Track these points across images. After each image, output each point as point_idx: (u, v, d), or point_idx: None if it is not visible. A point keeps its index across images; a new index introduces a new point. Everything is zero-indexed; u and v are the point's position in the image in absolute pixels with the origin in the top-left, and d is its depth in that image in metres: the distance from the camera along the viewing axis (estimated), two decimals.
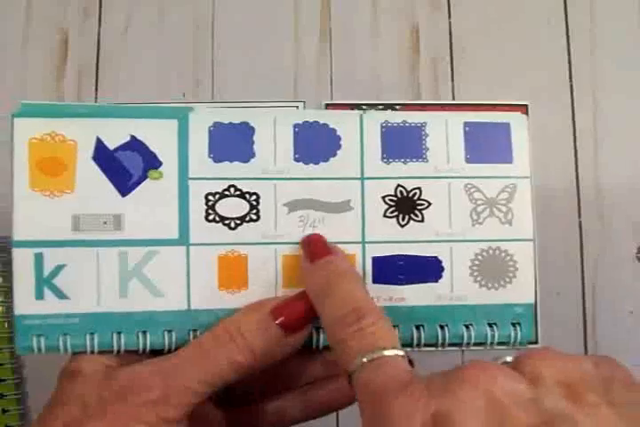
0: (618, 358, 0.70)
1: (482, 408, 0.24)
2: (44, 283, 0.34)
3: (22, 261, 0.34)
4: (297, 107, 0.73)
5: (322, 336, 0.35)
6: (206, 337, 0.34)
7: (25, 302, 0.34)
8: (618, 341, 0.74)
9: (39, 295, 0.34)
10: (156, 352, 0.35)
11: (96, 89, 0.73)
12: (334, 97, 0.74)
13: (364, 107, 0.73)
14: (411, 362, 0.29)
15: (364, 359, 0.28)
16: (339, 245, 0.36)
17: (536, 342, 0.73)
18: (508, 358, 0.28)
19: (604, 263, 0.74)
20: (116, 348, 0.34)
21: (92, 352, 0.34)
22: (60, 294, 0.34)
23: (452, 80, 0.76)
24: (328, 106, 0.73)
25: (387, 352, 0.28)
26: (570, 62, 0.76)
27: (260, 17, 0.75)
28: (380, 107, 0.74)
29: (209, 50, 0.74)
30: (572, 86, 0.76)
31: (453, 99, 0.76)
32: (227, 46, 0.75)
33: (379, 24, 0.76)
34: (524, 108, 0.76)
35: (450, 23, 0.76)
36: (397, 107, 0.74)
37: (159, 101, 0.71)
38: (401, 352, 0.29)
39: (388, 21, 0.76)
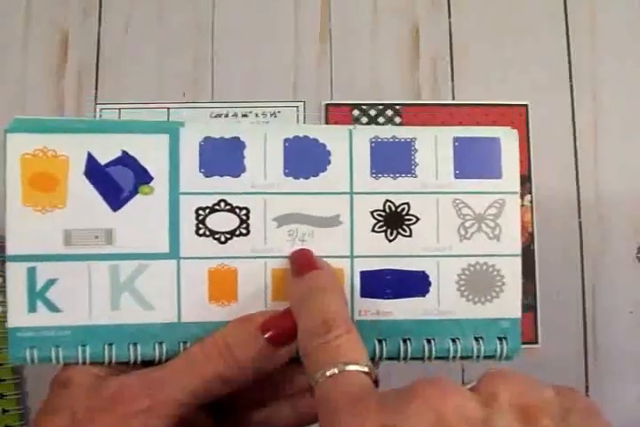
0: (618, 359, 0.70)
1: (430, 425, 0.24)
2: (37, 296, 0.35)
3: (15, 274, 0.35)
4: (297, 107, 0.73)
5: None
6: (194, 350, 0.34)
7: (18, 315, 0.35)
8: (618, 341, 0.74)
9: (32, 308, 0.35)
10: (147, 362, 0.36)
11: (96, 89, 0.73)
12: (334, 97, 0.75)
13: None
14: (376, 380, 0.29)
15: (326, 373, 0.28)
16: (327, 260, 0.36)
17: (536, 343, 0.73)
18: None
19: (603, 263, 0.75)
20: (107, 359, 0.35)
21: (84, 363, 0.35)
22: (53, 308, 0.35)
23: (452, 80, 0.76)
24: (328, 106, 0.74)
25: (348, 367, 0.28)
26: (570, 62, 0.76)
27: (260, 17, 0.75)
28: (380, 107, 0.74)
29: (209, 50, 0.75)
30: (571, 86, 0.76)
31: (453, 99, 0.76)
32: (227, 46, 0.75)
33: (379, 24, 0.76)
34: (523, 108, 0.76)
35: (450, 23, 0.76)
36: (397, 107, 0.74)
37: (159, 101, 0.72)
38: (364, 368, 0.29)
39: (387, 21, 0.76)
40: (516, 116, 0.76)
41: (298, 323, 0.32)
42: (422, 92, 0.75)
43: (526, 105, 0.76)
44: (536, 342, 0.74)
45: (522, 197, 0.76)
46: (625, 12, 0.76)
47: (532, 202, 0.75)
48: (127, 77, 0.74)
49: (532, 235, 0.75)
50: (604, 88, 0.76)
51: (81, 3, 0.74)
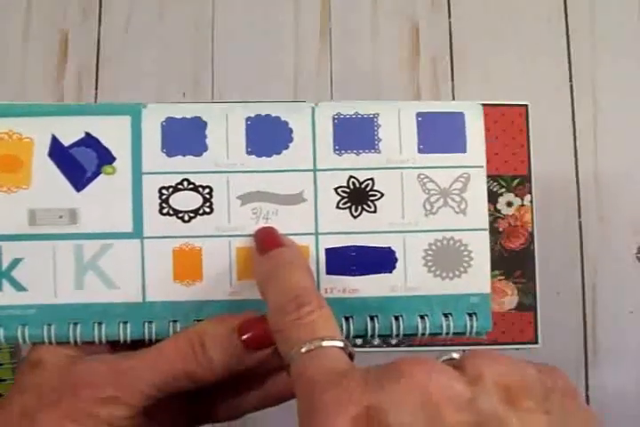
0: (618, 358, 0.69)
1: (416, 405, 0.23)
2: (3, 275, 0.35)
3: None
4: None
5: None
6: (168, 344, 0.34)
7: None
8: (618, 341, 0.73)
9: None
10: (116, 342, 0.36)
11: (96, 89, 0.74)
12: (334, 97, 0.75)
13: None
14: (350, 355, 0.28)
15: (301, 349, 0.28)
16: (292, 237, 0.36)
17: (536, 343, 0.72)
18: (455, 355, 0.28)
19: (603, 263, 0.74)
20: (72, 339, 0.35)
21: (50, 343, 0.35)
22: (18, 286, 0.35)
23: (452, 80, 0.76)
24: None
25: (324, 343, 0.28)
26: (570, 62, 0.76)
27: (260, 17, 0.76)
28: None
29: (209, 50, 0.76)
30: (571, 86, 0.75)
31: (453, 99, 0.76)
32: (227, 46, 0.76)
33: (379, 24, 0.76)
34: (523, 108, 0.76)
35: (450, 23, 0.76)
36: None
37: (159, 101, 0.73)
38: (340, 343, 0.28)
39: (388, 21, 0.76)
40: (515, 116, 0.76)
41: (267, 300, 0.32)
42: (422, 92, 0.76)
43: (526, 105, 0.75)
44: (536, 342, 0.72)
45: (522, 197, 0.76)
46: (625, 12, 0.76)
47: (531, 202, 0.75)
48: (127, 77, 0.75)
49: (531, 235, 0.74)
50: (604, 88, 0.75)
51: (81, 3, 0.76)
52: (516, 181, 0.76)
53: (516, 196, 0.76)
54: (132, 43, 0.76)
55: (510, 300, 0.72)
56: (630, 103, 0.75)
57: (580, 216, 0.74)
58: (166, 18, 0.76)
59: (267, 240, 0.35)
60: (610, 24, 0.77)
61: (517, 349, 0.71)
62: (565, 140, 0.76)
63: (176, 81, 0.75)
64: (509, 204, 0.75)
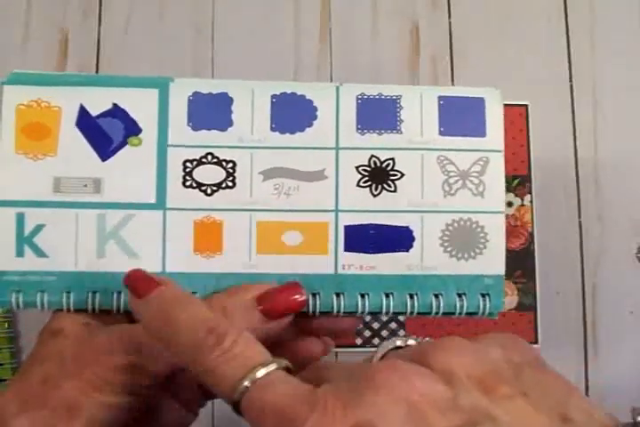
0: (618, 358, 0.69)
1: (403, 415, 0.23)
2: (25, 241, 0.36)
3: (4, 219, 0.36)
4: None
5: (318, 302, 0.36)
6: None
7: (5, 259, 0.36)
8: (618, 341, 0.73)
9: (19, 253, 0.36)
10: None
11: None
12: None
13: None
14: (289, 369, 0.27)
15: (245, 383, 0.26)
16: (311, 213, 0.37)
17: (536, 343, 0.73)
18: (399, 342, 0.28)
19: (604, 263, 0.74)
20: (90, 306, 0.35)
21: (69, 310, 0.35)
22: (40, 253, 0.36)
23: (452, 80, 0.77)
24: None
25: (264, 370, 0.26)
26: (570, 62, 0.77)
27: (260, 17, 0.76)
28: None
29: (209, 50, 0.76)
30: (571, 86, 0.76)
31: None
32: (227, 46, 0.76)
33: (379, 24, 0.77)
34: (523, 108, 0.77)
35: (450, 23, 0.77)
36: None
37: None
38: (278, 363, 0.27)
39: (388, 21, 0.77)
40: (516, 116, 0.77)
41: (169, 344, 0.30)
42: None
43: (526, 105, 0.76)
44: (536, 342, 0.73)
45: (522, 197, 0.76)
46: (625, 12, 0.77)
47: (532, 202, 0.75)
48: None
49: (531, 235, 0.75)
50: (604, 88, 0.76)
51: (81, 3, 0.76)
52: (516, 181, 0.76)
53: (516, 196, 0.76)
54: (131, 43, 0.76)
55: (510, 300, 0.73)
56: (630, 103, 0.76)
57: (579, 216, 0.75)
58: (166, 18, 0.77)
59: (142, 283, 0.33)
60: (610, 24, 0.78)
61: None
62: (565, 140, 0.76)
63: None
64: (509, 204, 0.76)
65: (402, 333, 0.72)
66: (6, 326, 0.65)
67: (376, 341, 0.73)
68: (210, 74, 0.75)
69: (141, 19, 0.76)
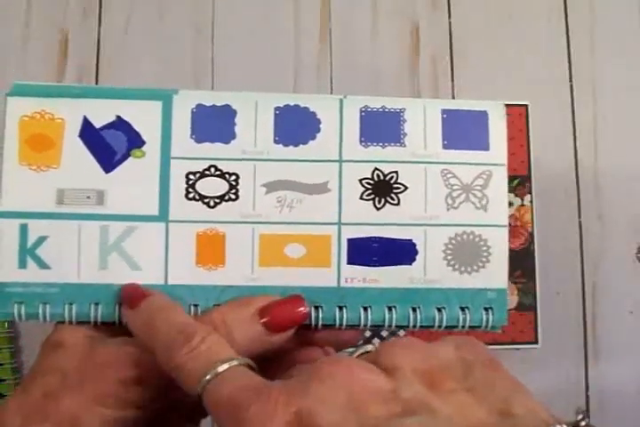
0: (617, 358, 0.70)
1: (343, 404, 0.24)
2: (27, 253, 0.36)
3: (7, 231, 0.36)
4: None
5: (320, 315, 0.36)
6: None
7: (8, 270, 0.36)
8: (618, 341, 0.74)
9: (22, 264, 0.36)
10: None
11: None
12: None
13: None
14: (252, 368, 0.29)
15: (207, 377, 0.28)
16: (314, 226, 0.37)
17: (536, 343, 0.73)
18: (369, 347, 0.29)
19: (604, 263, 0.75)
20: (93, 319, 0.35)
21: (71, 322, 0.35)
22: (42, 264, 0.36)
23: (452, 80, 0.77)
24: None
25: (226, 365, 0.28)
26: (570, 62, 0.77)
27: (260, 17, 0.76)
28: None
29: (209, 50, 0.76)
30: (571, 86, 0.76)
31: (453, 99, 0.76)
32: (227, 46, 0.76)
33: (379, 24, 0.77)
34: (523, 108, 0.76)
35: (450, 23, 0.77)
36: None
37: None
38: (240, 360, 0.29)
39: (388, 21, 0.77)
40: (516, 116, 0.77)
41: (153, 347, 0.32)
42: (422, 92, 0.76)
43: (526, 105, 0.76)
44: (536, 342, 0.73)
45: (522, 197, 0.76)
46: (625, 12, 0.77)
47: (532, 202, 0.75)
48: (127, 77, 0.75)
49: (531, 235, 0.75)
50: (604, 88, 0.76)
51: (81, 3, 0.75)
52: (516, 181, 0.77)
53: (516, 196, 0.77)
54: (131, 43, 0.76)
55: (510, 300, 0.73)
56: (630, 103, 0.76)
57: (579, 216, 0.75)
58: (166, 18, 0.76)
59: (133, 295, 0.35)
60: (610, 24, 0.78)
61: (518, 349, 0.72)
62: (565, 141, 0.76)
63: (176, 81, 0.75)
64: (509, 204, 0.76)
65: (402, 333, 0.72)
66: (6, 326, 0.65)
67: (376, 340, 0.73)
68: (210, 74, 0.75)
69: (141, 19, 0.76)
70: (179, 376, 0.29)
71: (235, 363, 0.28)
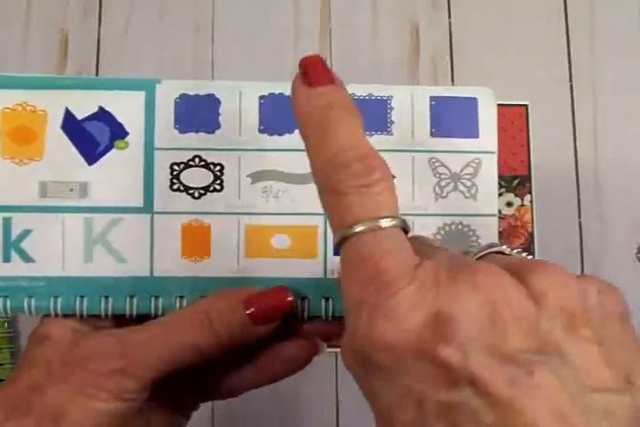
0: None
1: (486, 321, 0.22)
2: (11, 246, 0.35)
3: None
4: None
5: (306, 307, 0.35)
6: (174, 317, 0.34)
7: None
8: None
9: (6, 258, 0.35)
10: (122, 316, 0.36)
11: None
12: None
13: None
14: (406, 231, 0.26)
15: (364, 227, 0.24)
16: (300, 217, 0.36)
17: None
18: (505, 248, 0.27)
19: (604, 263, 0.74)
20: (78, 312, 0.35)
21: (57, 315, 0.35)
22: (27, 258, 0.35)
23: (452, 80, 0.76)
24: None
25: (388, 222, 0.25)
26: (570, 62, 0.76)
27: (260, 17, 0.76)
28: None
29: (209, 50, 0.76)
30: (571, 86, 0.76)
31: None
32: (227, 46, 0.76)
33: (379, 24, 0.76)
34: (523, 108, 0.76)
35: (450, 23, 0.77)
36: None
37: None
38: (402, 223, 0.25)
39: (388, 21, 0.76)
40: (515, 116, 0.76)
41: (316, 151, 0.27)
42: None
43: (526, 105, 0.76)
44: None
45: (522, 197, 0.76)
46: (625, 12, 0.76)
47: (531, 202, 0.75)
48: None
49: (531, 235, 0.75)
50: (604, 88, 0.76)
51: (81, 3, 0.76)
52: (516, 181, 0.76)
53: (516, 196, 0.76)
54: (131, 43, 0.75)
55: None
56: (630, 103, 0.76)
57: (579, 216, 0.74)
58: (166, 18, 0.76)
59: (318, 71, 0.28)
60: (610, 24, 0.77)
61: None
62: (565, 140, 0.76)
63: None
64: (509, 204, 0.76)
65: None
66: (6, 326, 0.65)
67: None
68: (210, 74, 0.75)
69: (141, 19, 0.76)
70: (332, 203, 0.26)
71: (395, 223, 0.25)
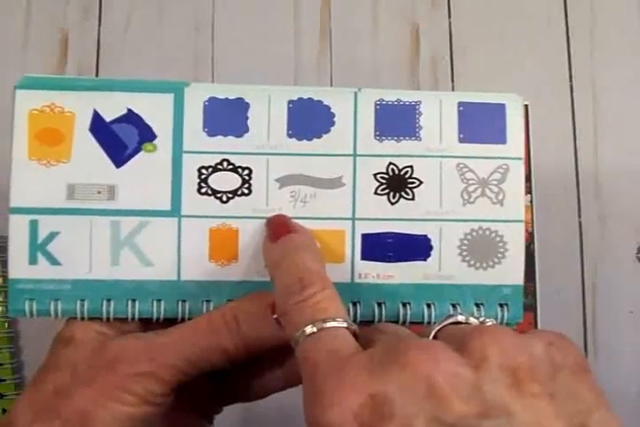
0: (618, 358, 0.69)
1: (421, 395, 0.23)
2: (38, 249, 0.35)
3: (18, 227, 0.35)
4: None
5: None
6: (201, 320, 0.34)
7: (19, 267, 0.35)
8: (618, 341, 0.73)
9: (33, 260, 0.35)
10: (146, 320, 0.36)
11: None
12: None
13: None
14: (355, 334, 0.28)
15: (305, 331, 0.27)
16: (328, 222, 0.36)
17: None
18: (460, 318, 0.28)
19: (603, 263, 0.74)
20: (105, 315, 0.35)
21: (83, 318, 0.35)
22: (53, 260, 0.35)
23: (452, 80, 0.76)
24: None
25: (327, 324, 0.28)
26: (570, 62, 0.76)
27: (260, 17, 0.75)
28: None
29: (209, 50, 0.75)
30: (571, 86, 0.76)
31: None
32: (227, 46, 0.75)
33: (379, 24, 0.76)
34: (523, 109, 0.76)
35: (450, 23, 0.77)
36: None
37: None
38: (344, 324, 0.28)
39: (388, 21, 0.76)
40: None
41: (274, 285, 0.32)
42: None
43: (526, 105, 0.76)
44: None
45: None
46: (625, 12, 0.77)
47: (532, 202, 0.75)
48: (127, 77, 0.74)
49: (531, 235, 0.75)
50: (604, 88, 0.76)
51: (81, 3, 0.74)
52: None
53: None
54: (131, 43, 0.75)
55: None
56: (630, 103, 0.76)
57: (580, 216, 0.75)
58: (166, 18, 0.75)
59: (278, 228, 0.35)
60: (610, 24, 0.78)
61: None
62: (565, 141, 0.76)
63: None
64: None
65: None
66: (6, 326, 0.64)
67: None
68: (210, 74, 0.74)
69: (141, 19, 0.75)
70: (283, 322, 0.30)
71: (334, 324, 0.28)
